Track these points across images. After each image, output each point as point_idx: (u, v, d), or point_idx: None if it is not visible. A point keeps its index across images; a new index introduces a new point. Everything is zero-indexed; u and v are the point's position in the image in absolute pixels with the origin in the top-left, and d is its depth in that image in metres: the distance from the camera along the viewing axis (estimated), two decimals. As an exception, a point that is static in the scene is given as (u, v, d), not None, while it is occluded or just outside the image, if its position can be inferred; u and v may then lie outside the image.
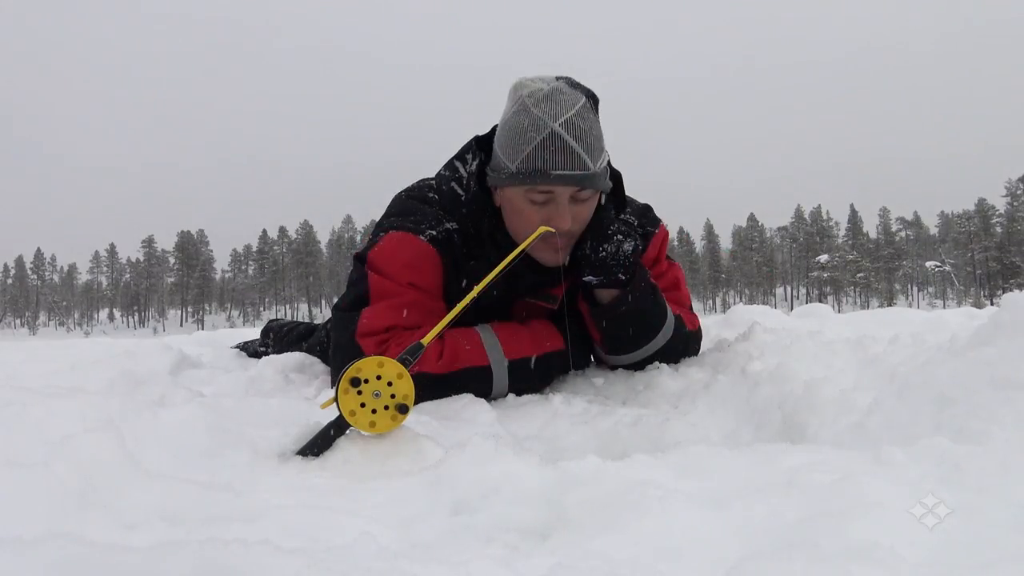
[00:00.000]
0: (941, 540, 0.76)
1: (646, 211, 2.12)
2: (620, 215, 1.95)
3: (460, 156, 1.96)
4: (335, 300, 2.02)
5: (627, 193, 2.01)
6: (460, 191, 1.89)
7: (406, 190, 2.03)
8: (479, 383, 1.77)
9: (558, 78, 1.80)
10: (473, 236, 1.88)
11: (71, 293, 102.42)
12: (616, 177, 1.93)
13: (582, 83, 1.82)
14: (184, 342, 3.76)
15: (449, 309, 1.70)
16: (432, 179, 2.01)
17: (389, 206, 2.01)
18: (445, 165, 1.99)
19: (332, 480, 1.05)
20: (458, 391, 1.74)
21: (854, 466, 0.95)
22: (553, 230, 1.66)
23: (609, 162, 1.91)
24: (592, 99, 1.80)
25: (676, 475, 0.99)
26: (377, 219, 2.08)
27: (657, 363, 1.95)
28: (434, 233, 1.86)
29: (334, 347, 1.90)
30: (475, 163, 1.89)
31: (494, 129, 1.92)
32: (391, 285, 1.82)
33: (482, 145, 1.93)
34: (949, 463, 0.94)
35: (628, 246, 1.81)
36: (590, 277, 1.84)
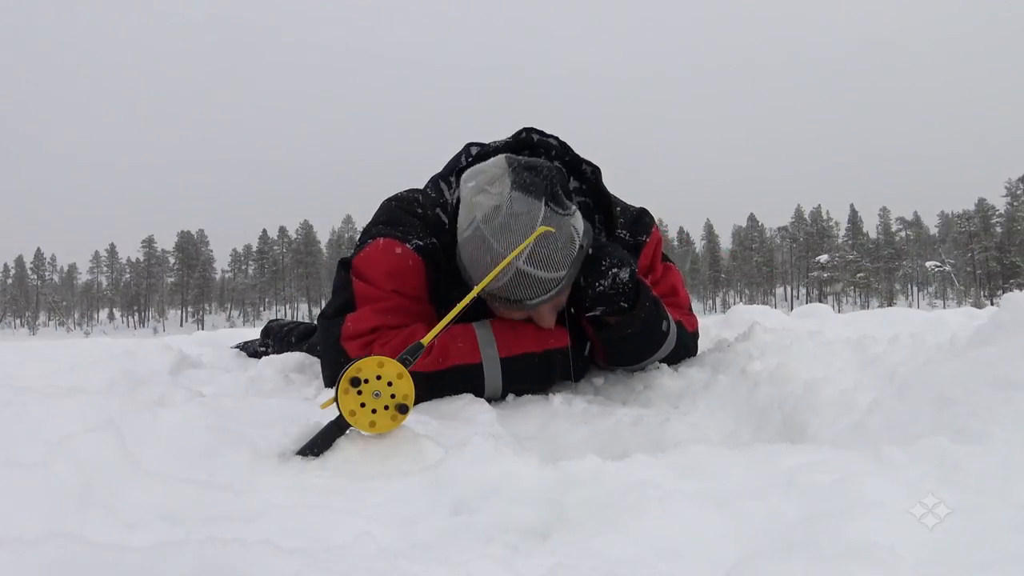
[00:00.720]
0: (941, 540, 0.76)
1: (639, 218, 2.08)
2: (613, 232, 1.95)
3: (444, 177, 1.94)
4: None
5: (627, 198, 2.01)
6: (444, 218, 1.88)
7: (395, 199, 2.00)
8: (470, 382, 1.74)
9: (512, 168, 1.66)
10: (455, 261, 1.84)
11: (71, 293, 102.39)
12: (605, 196, 1.92)
13: (535, 160, 1.72)
14: (184, 342, 3.76)
15: (435, 314, 1.68)
16: (419, 192, 2.00)
17: (377, 213, 1.99)
18: (431, 182, 1.97)
19: (332, 480, 1.05)
20: (449, 390, 1.72)
21: (854, 466, 0.95)
22: (552, 229, 1.65)
23: (596, 175, 1.89)
24: (550, 193, 1.66)
25: (676, 475, 0.99)
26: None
27: (657, 363, 1.95)
28: (421, 243, 1.84)
29: (321, 354, 1.90)
30: (457, 194, 1.85)
31: (477, 156, 1.91)
32: (375, 291, 1.81)
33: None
34: (949, 463, 0.94)
35: (624, 274, 1.76)
36: (594, 312, 1.82)
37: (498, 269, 1.47)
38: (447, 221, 1.87)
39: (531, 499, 0.93)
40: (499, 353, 1.77)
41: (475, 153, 1.97)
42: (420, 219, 1.91)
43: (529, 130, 2.01)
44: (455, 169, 1.94)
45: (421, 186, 2.07)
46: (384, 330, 1.77)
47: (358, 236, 2.03)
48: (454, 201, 1.86)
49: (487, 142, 2.05)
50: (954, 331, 1.53)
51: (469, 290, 1.80)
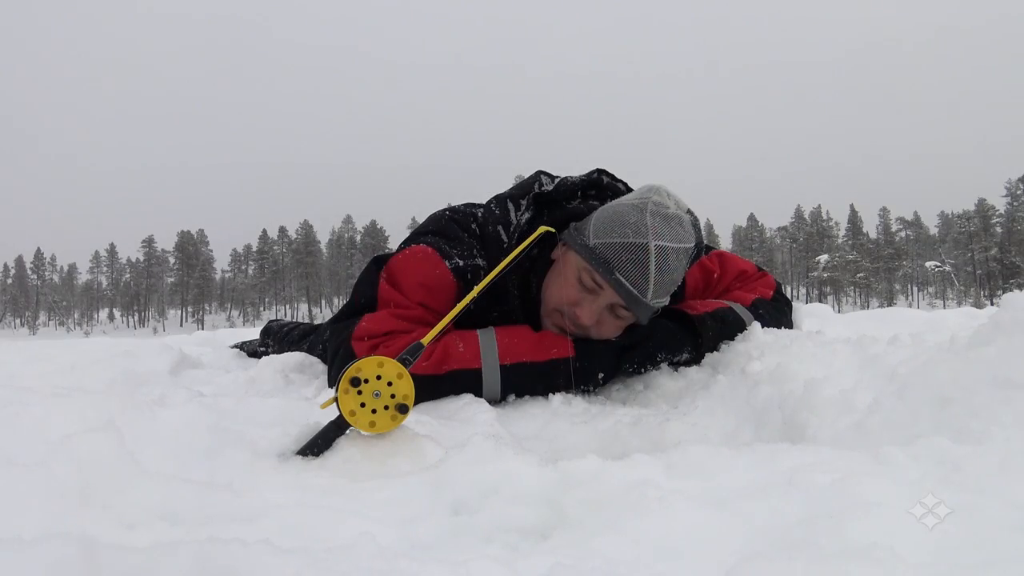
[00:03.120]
0: (941, 540, 0.76)
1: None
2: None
3: (515, 198, 1.92)
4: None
5: None
6: (504, 237, 1.86)
7: (451, 210, 1.98)
8: (469, 386, 1.73)
9: (689, 212, 1.83)
10: (499, 284, 1.79)
11: (71, 293, 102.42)
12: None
13: (699, 231, 1.87)
14: (184, 342, 3.77)
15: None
16: (480, 208, 1.96)
17: (428, 220, 1.97)
18: (497, 200, 1.95)
19: (332, 480, 1.05)
20: (448, 393, 1.71)
21: (854, 466, 0.95)
22: (553, 229, 1.66)
23: (698, 246, 1.90)
24: (697, 249, 1.83)
25: (676, 475, 0.99)
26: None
27: (658, 364, 1.94)
28: (460, 264, 1.81)
29: (331, 350, 1.89)
30: (527, 216, 1.86)
31: (558, 186, 1.92)
32: (401, 299, 1.79)
33: (540, 201, 1.92)
34: (949, 463, 0.94)
35: (679, 357, 1.87)
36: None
37: (502, 265, 1.48)
38: (507, 241, 1.85)
39: (531, 499, 0.93)
40: (500, 360, 1.74)
41: (555, 183, 1.97)
42: (473, 236, 1.88)
43: (601, 171, 2.03)
44: (528, 191, 1.92)
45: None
46: (395, 335, 1.75)
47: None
48: (523, 221, 1.88)
49: (555, 174, 2.05)
50: (954, 331, 1.53)
51: (509, 312, 1.82)
